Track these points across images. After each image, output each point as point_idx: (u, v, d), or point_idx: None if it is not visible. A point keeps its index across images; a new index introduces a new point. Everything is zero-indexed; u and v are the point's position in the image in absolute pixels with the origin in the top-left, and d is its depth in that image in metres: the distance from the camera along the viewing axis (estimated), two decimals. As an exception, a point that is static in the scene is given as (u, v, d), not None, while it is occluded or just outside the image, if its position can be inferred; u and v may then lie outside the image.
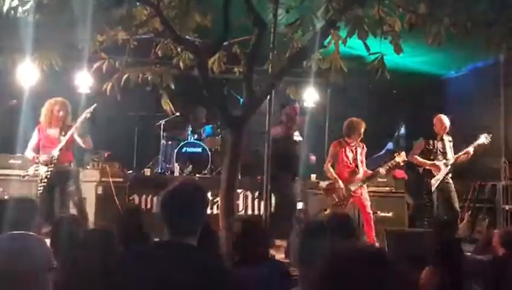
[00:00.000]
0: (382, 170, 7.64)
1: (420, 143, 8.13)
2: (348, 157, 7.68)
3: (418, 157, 8.03)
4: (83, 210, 7.30)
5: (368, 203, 7.60)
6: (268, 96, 6.21)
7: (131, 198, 8.42)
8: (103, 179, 8.21)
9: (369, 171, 7.72)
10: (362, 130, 7.59)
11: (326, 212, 7.78)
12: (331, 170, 7.64)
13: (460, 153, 7.86)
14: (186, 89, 8.40)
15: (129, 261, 2.71)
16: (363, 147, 7.81)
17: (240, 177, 8.64)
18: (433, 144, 8.01)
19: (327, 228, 3.19)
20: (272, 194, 7.34)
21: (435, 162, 7.90)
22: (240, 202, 8.81)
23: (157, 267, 2.54)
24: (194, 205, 2.69)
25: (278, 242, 7.15)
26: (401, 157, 7.63)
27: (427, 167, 7.99)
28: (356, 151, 7.73)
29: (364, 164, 7.81)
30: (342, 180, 7.59)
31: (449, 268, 3.52)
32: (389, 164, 7.64)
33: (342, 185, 7.56)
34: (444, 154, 7.95)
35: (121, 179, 8.39)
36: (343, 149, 7.68)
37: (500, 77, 9.61)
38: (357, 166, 7.70)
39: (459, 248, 3.79)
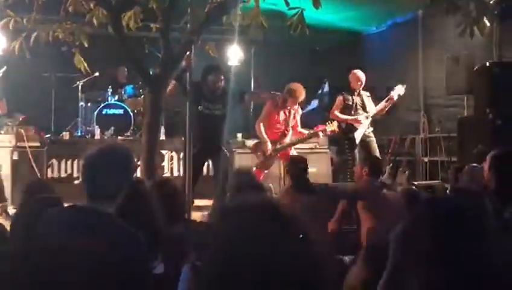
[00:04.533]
0: (307, 133, 7.77)
1: (339, 100, 8.24)
2: (279, 119, 7.66)
3: (339, 114, 8.14)
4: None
5: None
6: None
7: (49, 163, 8.13)
8: (19, 144, 7.82)
9: (304, 132, 7.78)
10: (301, 97, 7.52)
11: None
12: (262, 130, 7.60)
13: (381, 104, 8.03)
14: (105, 48, 8.27)
15: (41, 225, 2.60)
16: (297, 111, 7.78)
17: (164, 137, 8.74)
18: (352, 99, 8.14)
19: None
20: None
21: (356, 117, 8.05)
22: (165, 163, 8.69)
23: (64, 232, 2.44)
24: (114, 168, 2.58)
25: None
26: (332, 127, 7.67)
27: (348, 122, 8.12)
28: (289, 114, 7.69)
29: (299, 126, 7.84)
30: (270, 141, 7.62)
31: None
32: (319, 131, 7.72)
33: (269, 147, 7.56)
34: (364, 108, 8.11)
35: (38, 144, 8.00)
36: (277, 111, 7.63)
37: (418, 32, 9.75)
38: (286, 129, 7.71)
39: None
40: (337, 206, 5.42)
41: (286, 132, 7.69)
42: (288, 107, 7.55)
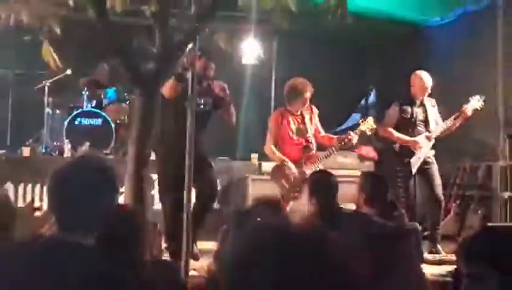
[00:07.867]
0: (336, 141, 6.45)
1: (393, 111, 6.92)
2: (293, 131, 6.50)
3: (393, 131, 6.78)
4: None
5: None
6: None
7: (5, 187, 7.04)
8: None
9: (332, 136, 6.66)
10: (307, 93, 6.40)
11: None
12: (275, 151, 6.56)
13: (449, 121, 6.78)
14: (82, 37, 7.76)
15: None
16: (311, 111, 6.60)
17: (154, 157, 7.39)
18: (412, 111, 6.83)
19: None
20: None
21: (414, 138, 6.71)
22: (156, 191, 7.12)
23: (23, 270, 2.17)
24: (92, 189, 2.28)
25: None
26: (366, 125, 6.46)
27: (404, 144, 6.76)
28: (303, 120, 6.52)
29: (322, 131, 6.65)
30: (293, 162, 6.46)
31: None
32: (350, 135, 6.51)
33: (293, 169, 6.28)
34: (426, 124, 6.85)
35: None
36: (287, 121, 6.48)
37: (497, 24, 8.26)
38: (307, 139, 6.45)
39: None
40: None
41: (308, 143, 6.46)
42: (298, 112, 6.50)
